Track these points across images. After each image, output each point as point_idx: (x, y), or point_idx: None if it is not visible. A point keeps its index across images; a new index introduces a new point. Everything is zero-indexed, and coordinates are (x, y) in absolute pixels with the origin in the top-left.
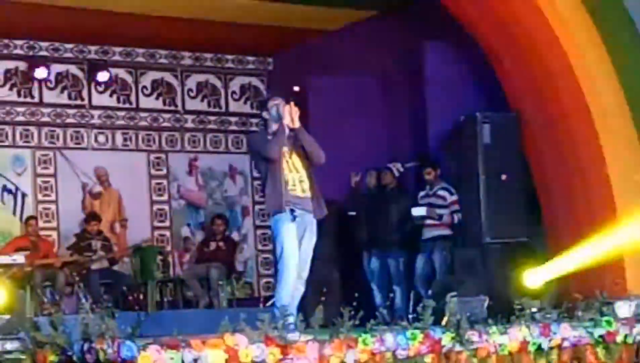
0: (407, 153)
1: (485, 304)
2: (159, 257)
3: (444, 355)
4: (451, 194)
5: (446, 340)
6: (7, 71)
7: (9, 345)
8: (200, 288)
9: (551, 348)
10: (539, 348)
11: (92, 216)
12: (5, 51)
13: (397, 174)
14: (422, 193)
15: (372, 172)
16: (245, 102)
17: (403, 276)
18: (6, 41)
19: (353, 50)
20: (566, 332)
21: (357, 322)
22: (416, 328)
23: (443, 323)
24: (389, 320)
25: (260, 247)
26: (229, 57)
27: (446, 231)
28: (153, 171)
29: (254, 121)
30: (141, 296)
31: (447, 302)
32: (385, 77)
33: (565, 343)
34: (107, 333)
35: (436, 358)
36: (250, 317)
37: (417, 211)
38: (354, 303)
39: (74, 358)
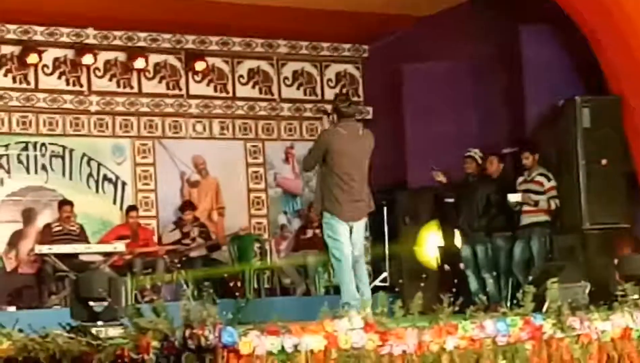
0: (504, 138)
1: (587, 290)
2: (256, 245)
3: (544, 341)
4: (549, 180)
5: (547, 326)
6: (106, 62)
7: (112, 331)
8: (297, 276)
9: None
10: None
11: (187, 205)
12: (105, 42)
13: (479, 161)
14: (520, 179)
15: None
16: (340, 90)
17: (492, 263)
18: (105, 33)
19: (448, 35)
20: None
21: (456, 309)
22: (517, 314)
23: (544, 309)
24: (487, 307)
25: None
26: (325, 45)
27: (544, 218)
28: (250, 159)
29: None
30: (239, 284)
31: (548, 288)
32: (481, 62)
33: None
34: (209, 320)
35: (537, 345)
36: None
37: (513, 198)
38: (453, 290)
39: (176, 344)
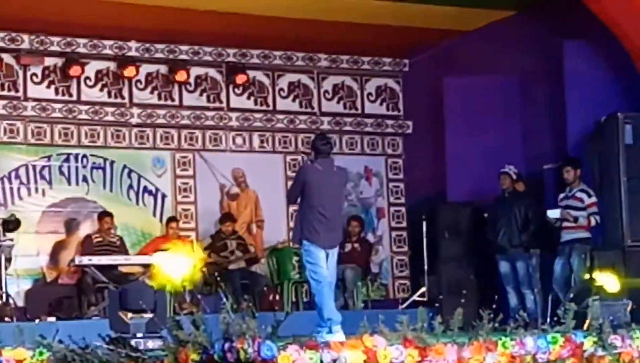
0: (545, 153)
1: (629, 308)
2: (295, 258)
3: (585, 359)
4: (589, 196)
5: (588, 344)
6: (148, 75)
7: (151, 344)
8: (335, 290)
9: None
10: None
11: (226, 217)
12: (146, 55)
13: (514, 177)
14: (561, 195)
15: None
16: (381, 104)
17: (533, 279)
18: (147, 45)
19: (490, 50)
20: None
21: (496, 325)
22: (557, 331)
23: (585, 327)
24: (527, 323)
25: (395, 249)
26: (365, 58)
27: (584, 234)
28: (289, 173)
29: (390, 122)
30: (277, 297)
31: (589, 306)
32: (523, 77)
33: None
34: (248, 333)
35: None
36: (386, 319)
37: (552, 213)
38: (494, 306)
39: (215, 357)
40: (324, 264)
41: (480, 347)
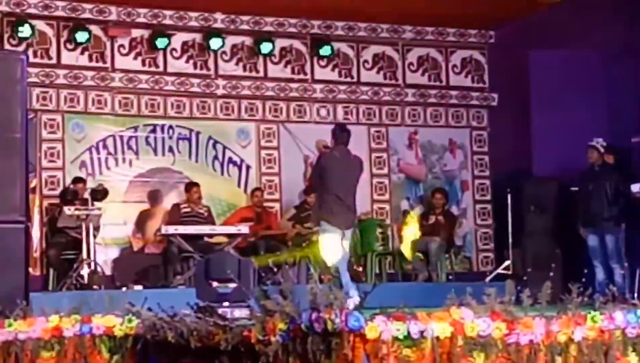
0: (632, 127)
1: None
2: (379, 230)
3: None
4: None
5: None
6: (233, 46)
7: (238, 313)
8: (419, 262)
9: None
10: None
11: (311, 189)
12: (232, 27)
13: (601, 150)
14: None
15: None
16: (466, 76)
17: (621, 253)
18: (233, 17)
19: (577, 23)
20: None
21: (585, 299)
22: None
23: None
24: (616, 297)
25: (479, 221)
26: (450, 30)
27: None
28: (373, 145)
29: (475, 94)
30: (361, 268)
31: None
32: (609, 50)
33: None
34: (335, 303)
35: None
36: (474, 291)
37: (635, 187)
38: (583, 280)
39: (302, 327)
40: (339, 243)
41: (569, 320)
